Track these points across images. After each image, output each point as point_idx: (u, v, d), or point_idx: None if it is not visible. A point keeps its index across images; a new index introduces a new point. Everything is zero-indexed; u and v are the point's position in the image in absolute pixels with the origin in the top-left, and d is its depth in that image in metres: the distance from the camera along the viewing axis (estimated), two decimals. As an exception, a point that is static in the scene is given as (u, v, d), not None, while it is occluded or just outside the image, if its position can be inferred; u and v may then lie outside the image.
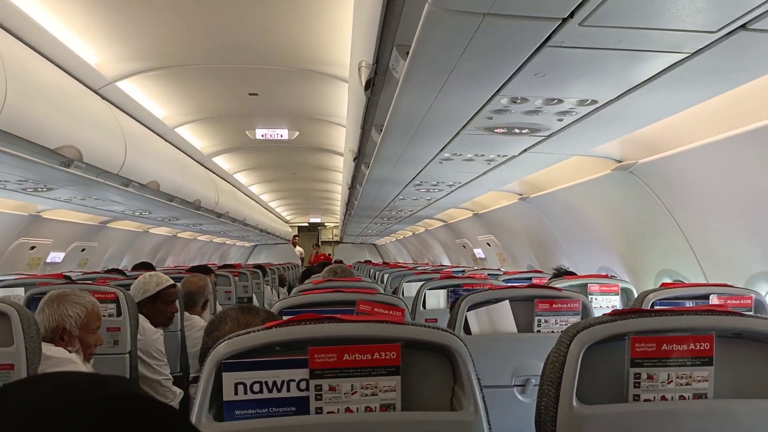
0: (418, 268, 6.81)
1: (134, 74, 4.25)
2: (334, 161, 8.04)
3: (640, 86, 1.92)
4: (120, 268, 6.72)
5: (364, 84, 2.28)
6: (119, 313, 2.89)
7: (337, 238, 20.19)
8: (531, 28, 1.46)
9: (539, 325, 2.28)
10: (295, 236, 18.81)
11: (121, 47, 3.86)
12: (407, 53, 1.66)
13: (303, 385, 1.11)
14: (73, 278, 4.14)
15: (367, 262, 11.94)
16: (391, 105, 2.20)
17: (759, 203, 2.63)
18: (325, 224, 20.99)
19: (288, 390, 1.11)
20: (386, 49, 2.01)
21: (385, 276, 5.90)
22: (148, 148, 4.75)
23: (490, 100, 2.05)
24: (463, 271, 5.53)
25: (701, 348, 1.21)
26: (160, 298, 3.20)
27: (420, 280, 4.01)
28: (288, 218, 18.79)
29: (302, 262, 17.44)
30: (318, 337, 1.13)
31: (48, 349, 2.10)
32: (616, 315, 1.25)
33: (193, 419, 1.07)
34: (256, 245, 18.63)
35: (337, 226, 17.14)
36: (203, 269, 5.08)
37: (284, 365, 1.11)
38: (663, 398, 1.20)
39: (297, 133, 6.48)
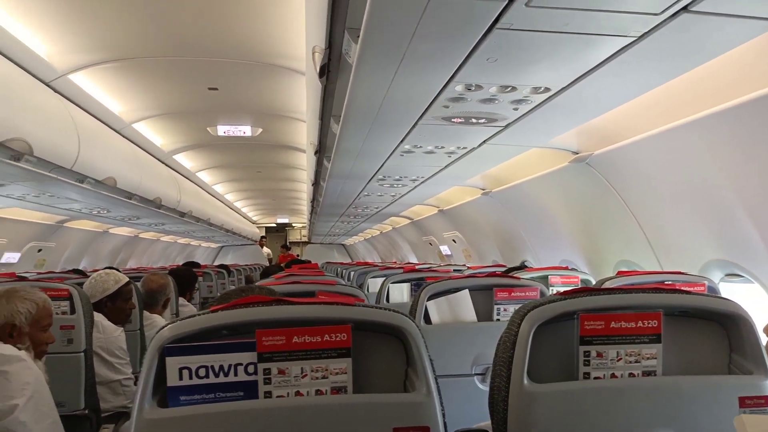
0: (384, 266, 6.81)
1: (88, 66, 4.14)
2: (299, 159, 7.98)
3: (591, 72, 1.95)
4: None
5: (318, 70, 2.26)
6: (73, 311, 2.82)
7: (305, 239, 20.04)
8: (479, 9, 1.46)
9: (499, 314, 2.30)
10: (262, 237, 18.61)
11: (73, 38, 3.75)
12: (358, 36, 1.65)
13: (251, 369, 1.09)
14: (28, 278, 4.01)
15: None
16: (347, 92, 2.19)
17: (710, 191, 2.69)
18: (293, 225, 20.80)
19: (235, 374, 1.09)
20: (338, 32, 2.00)
21: (351, 273, 5.90)
22: (104, 143, 4.63)
23: (445, 86, 2.05)
24: (429, 267, 5.55)
25: (649, 325, 1.22)
26: (121, 296, 3.18)
27: (384, 276, 4.02)
28: (255, 219, 18.57)
29: (270, 263, 17.27)
30: (266, 320, 1.10)
31: (-4, 346, 2.02)
32: (566, 294, 1.26)
33: (135, 406, 1.04)
34: (222, 246, 18.39)
35: (305, 226, 17.02)
36: (192, 265, 5.20)
37: (231, 349, 1.09)
38: (612, 376, 1.21)
39: (260, 130, 6.40)
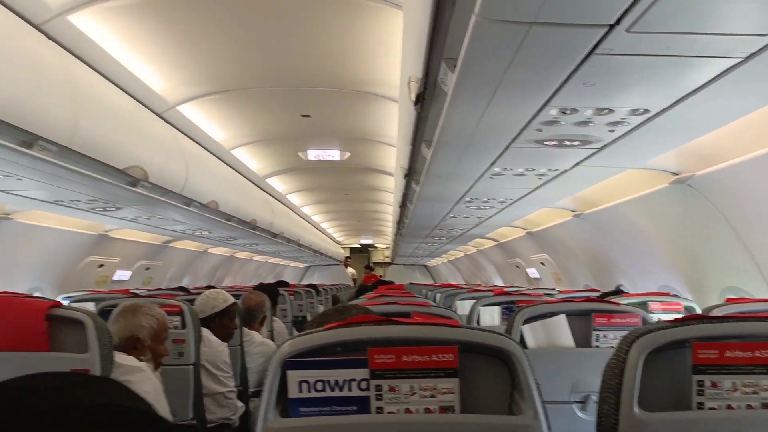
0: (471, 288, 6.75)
1: (194, 99, 4.47)
2: (384, 182, 8.13)
3: (693, 94, 1.89)
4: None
5: (414, 99, 2.33)
6: (184, 326, 3.01)
7: (387, 260, 20.18)
8: (578, 36, 1.47)
9: (597, 340, 2.24)
10: (347, 258, 18.96)
11: (182, 73, 4.09)
12: (455, 66, 1.70)
13: (364, 384, 1.14)
14: (140, 295, 4.33)
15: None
16: (441, 119, 2.23)
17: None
18: (376, 246, 21.06)
19: (350, 389, 1.14)
20: (435, 62, 2.06)
21: (438, 295, 5.88)
22: (208, 169, 4.95)
23: (539, 111, 2.05)
24: (518, 290, 5.45)
25: (767, 356, 1.18)
26: (227, 314, 3.33)
27: (473, 299, 3.99)
28: (340, 239, 18.99)
29: (354, 283, 17.52)
30: (377, 338, 1.16)
31: (120, 357, 2.19)
32: (677, 321, 1.23)
33: (260, 416, 1.12)
34: (309, 266, 18.87)
35: (388, 247, 17.16)
36: (281, 284, 6.13)
37: (345, 365, 1.14)
38: (728, 407, 1.17)
39: (348, 154, 6.60)
